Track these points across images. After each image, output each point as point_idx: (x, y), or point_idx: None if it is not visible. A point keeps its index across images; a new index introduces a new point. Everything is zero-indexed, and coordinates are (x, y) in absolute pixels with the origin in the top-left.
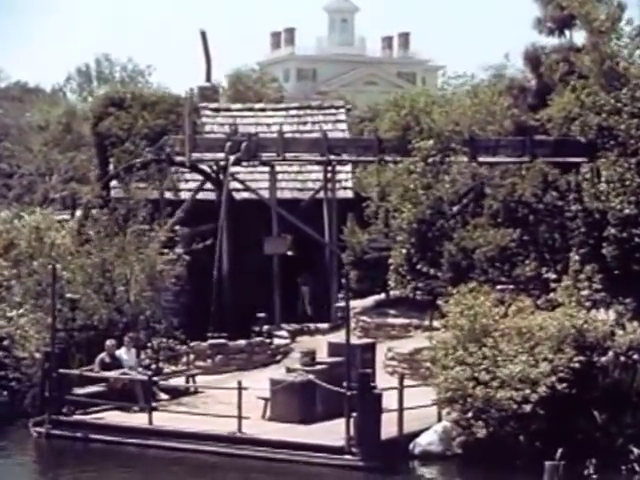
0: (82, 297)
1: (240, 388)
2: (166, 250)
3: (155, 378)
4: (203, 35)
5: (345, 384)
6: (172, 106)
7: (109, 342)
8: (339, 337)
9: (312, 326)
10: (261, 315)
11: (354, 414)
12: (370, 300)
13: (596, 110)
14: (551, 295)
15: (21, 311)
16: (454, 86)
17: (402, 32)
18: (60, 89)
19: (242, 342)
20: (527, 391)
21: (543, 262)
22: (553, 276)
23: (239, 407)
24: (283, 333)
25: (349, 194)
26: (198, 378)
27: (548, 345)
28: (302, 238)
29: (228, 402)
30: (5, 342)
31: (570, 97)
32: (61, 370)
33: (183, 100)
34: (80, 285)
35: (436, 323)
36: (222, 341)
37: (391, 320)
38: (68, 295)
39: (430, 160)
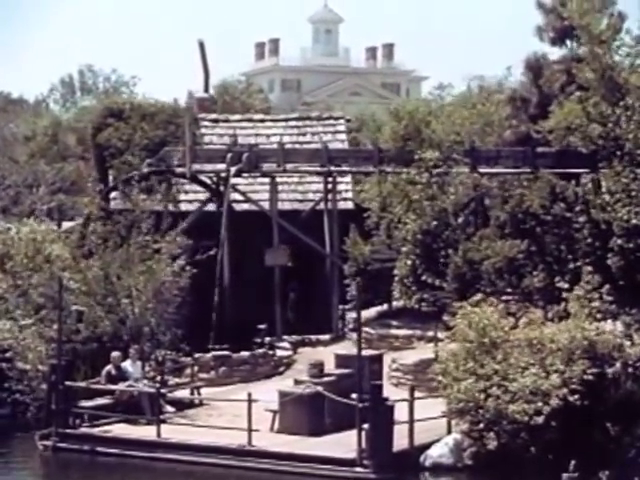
0: (87, 309)
1: (250, 400)
2: (171, 261)
3: (163, 390)
4: (201, 45)
5: (356, 396)
6: (171, 117)
7: (115, 354)
8: (341, 348)
9: (313, 338)
10: (262, 327)
11: (365, 426)
12: (372, 311)
13: (602, 121)
14: (562, 306)
15: (22, 323)
16: (439, 96)
17: (386, 43)
18: (43, 100)
19: (245, 354)
20: (539, 404)
21: (551, 273)
22: (565, 286)
23: (249, 419)
24: (285, 345)
25: (349, 205)
26: (202, 390)
27: (559, 357)
28: (302, 249)
29: (234, 414)
30: (7, 354)
31: (574, 108)
32: (68, 382)
33: (182, 111)
34: (84, 297)
35: (440, 335)
36: (225, 353)
37: (394, 331)
38: (74, 307)
39: (435, 171)
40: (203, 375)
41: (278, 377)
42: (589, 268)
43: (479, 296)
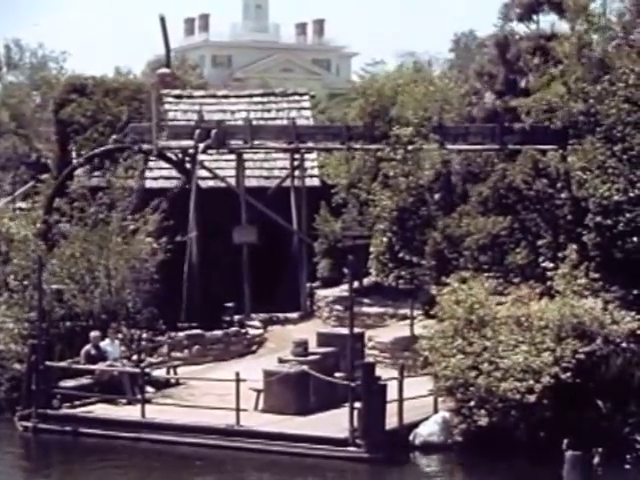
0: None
1: (238, 380)
2: (148, 240)
3: (147, 370)
4: (162, 20)
5: (345, 375)
6: (135, 92)
7: (94, 334)
8: (311, 326)
9: (281, 316)
10: (229, 305)
11: (357, 405)
12: (344, 288)
13: (584, 97)
14: (548, 283)
15: None
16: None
17: (317, 19)
18: None
19: (218, 332)
20: (531, 381)
21: (533, 250)
22: (551, 265)
23: (237, 399)
24: (256, 323)
25: (315, 182)
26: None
27: (548, 334)
28: (269, 227)
29: (216, 394)
30: None
31: (555, 85)
32: (48, 363)
33: (146, 87)
34: (60, 275)
35: (416, 312)
36: (198, 331)
37: (366, 309)
38: (54, 286)
39: (410, 147)
40: (176, 354)
41: (251, 355)
42: (574, 246)
43: (463, 273)
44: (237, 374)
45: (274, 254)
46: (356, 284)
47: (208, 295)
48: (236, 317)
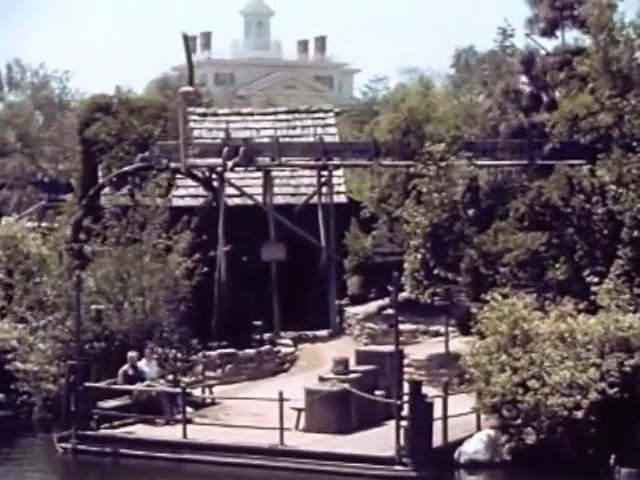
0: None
1: (282, 399)
2: (182, 259)
3: (188, 390)
4: (185, 38)
5: (386, 393)
6: (159, 111)
7: (131, 354)
8: (341, 344)
9: (310, 334)
10: (258, 323)
11: (403, 423)
12: (373, 306)
13: (616, 111)
14: (589, 299)
15: (35, 325)
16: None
17: (318, 36)
18: None
19: (251, 351)
20: (578, 397)
21: (572, 265)
22: (595, 279)
23: (281, 418)
24: (287, 341)
25: (342, 198)
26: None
27: (593, 350)
28: (297, 244)
29: (252, 413)
30: (9, 355)
31: (586, 99)
32: (87, 383)
33: (173, 105)
34: (96, 295)
35: (450, 329)
36: (231, 350)
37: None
38: (93, 306)
39: (443, 164)
40: (210, 373)
41: (284, 374)
42: (620, 261)
43: (503, 289)
44: (280, 394)
45: (302, 271)
46: (386, 301)
47: (237, 313)
48: (266, 335)
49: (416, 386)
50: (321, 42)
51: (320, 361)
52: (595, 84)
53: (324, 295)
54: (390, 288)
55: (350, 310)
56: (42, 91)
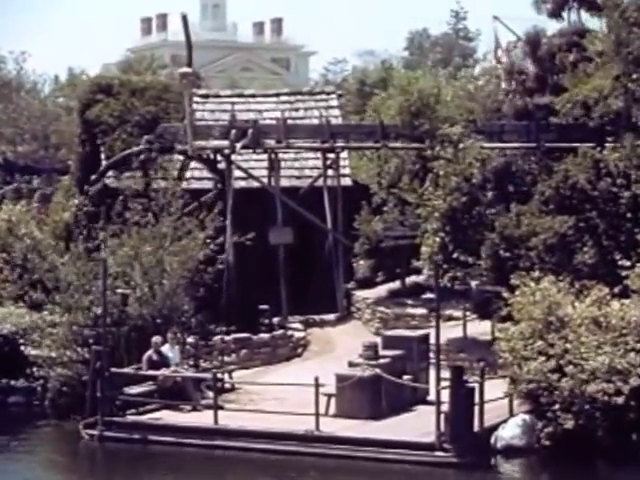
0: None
1: (317, 385)
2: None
3: (219, 376)
4: (184, 19)
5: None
6: (161, 92)
7: (155, 339)
8: (350, 328)
9: (317, 318)
10: (265, 307)
11: (444, 408)
12: (383, 289)
13: (627, 95)
14: (625, 283)
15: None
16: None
17: (274, 18)
18: None
19: (265, 336)
20: (618, 383)
21: (601, 249)
22: (628, 263)
23: (316, 404)
24: (298, 325)
25: (347, 181)
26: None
27: (631, 334)
28: (303, 227)
29: (275, 397)
30: (22, 340)
31: (593, 81)
32: (113, 369)
33: (175, 86)
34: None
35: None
36: (246, 335)
37: (410, 310)
38: (119, 290)
39: (460, 146)
40: (225, 358)
41: (298, 359)
42: None
43: (532, 273)
44: (316, 379)
45: (308, 255)
46: (397, 284)
47: (245, 297)
48: (275, 319)
49: (458, 371)
50: (277, 24)
51: (331, 346)
52: (604, 67)
53: (330, 279)
54: (426, 272)
55: (359, 294)
56: None
